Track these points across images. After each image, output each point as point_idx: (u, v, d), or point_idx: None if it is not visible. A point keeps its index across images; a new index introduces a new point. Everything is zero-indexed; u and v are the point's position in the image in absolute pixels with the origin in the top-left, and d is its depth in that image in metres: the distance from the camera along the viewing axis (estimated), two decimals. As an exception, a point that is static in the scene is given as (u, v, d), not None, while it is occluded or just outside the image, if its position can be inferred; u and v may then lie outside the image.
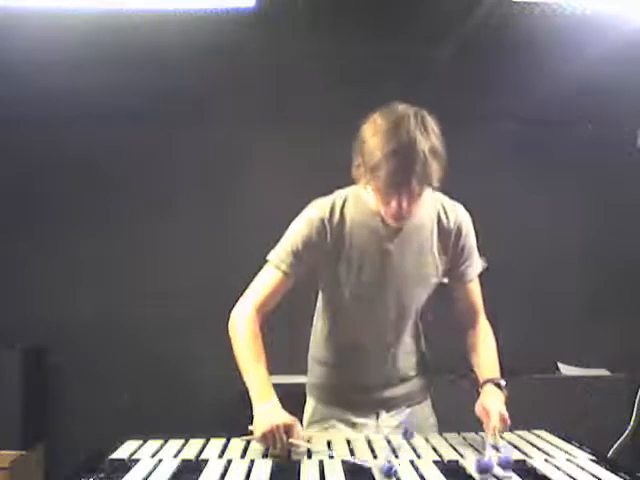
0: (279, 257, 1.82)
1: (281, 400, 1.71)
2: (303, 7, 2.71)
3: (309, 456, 1.60)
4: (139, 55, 3.04)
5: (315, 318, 2.01)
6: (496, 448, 1.58)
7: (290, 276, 1.81)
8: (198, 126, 3.93)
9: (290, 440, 1.60)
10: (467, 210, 1.93)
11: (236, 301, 1.85)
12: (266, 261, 1.86)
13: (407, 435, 1.70)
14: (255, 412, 1.68)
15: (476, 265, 1.92)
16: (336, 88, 2.91)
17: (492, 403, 1.74)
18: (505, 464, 1.46)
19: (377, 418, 1.93)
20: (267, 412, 1.66)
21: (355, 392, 1.92)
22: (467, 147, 3.88)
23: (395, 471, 1.42)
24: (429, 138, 1.60)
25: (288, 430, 1.61)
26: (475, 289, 1.95)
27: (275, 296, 1.83)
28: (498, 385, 1.82)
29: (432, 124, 1.63)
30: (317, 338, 1.99)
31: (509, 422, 1.70)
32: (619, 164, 3.79)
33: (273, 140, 3.89)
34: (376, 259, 1.80)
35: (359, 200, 1.82)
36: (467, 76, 3.45)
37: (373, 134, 1.62)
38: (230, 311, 1.84)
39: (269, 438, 1.60)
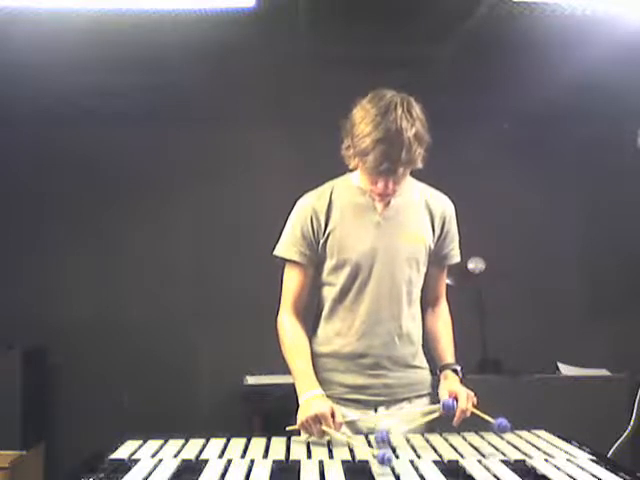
0: (284, 249, 1.96)
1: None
2: (303, 7, 2.71)
3: (308, 455, 1.60)
4: (139, 55, 3.03)
5: (316, 315, 2.03)
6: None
7: (303, 264, 1.94)
8: (197, 126, 3.93)
9: (322, 428, 1.71)
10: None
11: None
12: (273, 258, 1.98)
13: (380, 442, 1.67)
14: (299, 403, 1.80)
15: (457, 252, 2.05)
16: (336, 88, 2.91)
17: (458, 387, 1.88)
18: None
19: (375, 411, 1.94)
20: (305, 403, 1.78)
21: (357, 376, 1.93)
22: (467, 147, 3.90)
23: (389, 458, 1.45)
24: (414, 124, 1.73)
25: (322, 419, 1.72)
26: (445, 274, 2.09)
27: (300, 291, 1.97)
28: (455, 371, 1.96)
29: (417, 110, 1.77)
30: (319, 331, 2.01)
31: (475, 400, 1.85)
32: (619, 164, 3.79)
33: (273, 140, 3.89)
34: (367, 231, 1.91)
35: (347, 183, 1.97)
36: (467, 76, 3.45)
37: (362, 119, 1.76)
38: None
39: (306, 428, 1.74)
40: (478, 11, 2.71)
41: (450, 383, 1.91)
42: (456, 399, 1.83)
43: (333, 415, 1.73)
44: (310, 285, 1.98)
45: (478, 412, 1.82)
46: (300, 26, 2.88)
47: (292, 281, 1.97)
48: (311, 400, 1.78)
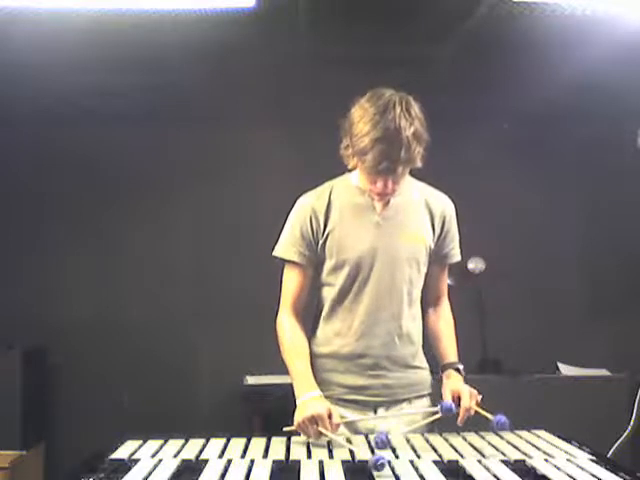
0: (284, 249, 1.95)
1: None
2: (303, 7, 2.71)
3: (308, 455, 1.60)
4: (139, 55, 3.03)
5: (315, 316, 2.02)
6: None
7: (302, 264, 1.94)
8: (197, 126, 3.93)
9: (319, 429, 1.71)
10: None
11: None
12: (273, 258, 1.97)
13: (380, 444, 1.65)
14: (297, 403, 1.80)
15: (458, 251, 2.05)
16: (336, 88, 2.91)
17: (461, 385, 1.88)
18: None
19: (375, 412, 1.93)
20: (302, 404, 1.78)
21: (357, 376, 1.93)
22: (467, 147, 3.90)
23: (382, 464, 1.44)
24: (413, 123, 1.72)
25: (318, 420, 1.71)
26: (446, 272, 2.08)
27: (299, 291, 1.96)
28: (457, 369, 1.95)
29: (416, 109, 1.76)
30: (319, 331, 2.00)
31: (479, 398, 1.84)
32: (619, 164, 3.79)
33: (273, 140, 3.89)
34: (366, 231, 1.91)
35: (347, 183, 1.97)
36: (467, 76, 3.45)
37: (360, 119, 1.75)
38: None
39: (302, 429, 1.73)
40: (478, 11, 2.71)
41: (453, 382, 1.91)
42: (459, 398, 1.83)
43: (330, 416, 1.73)
44: (309, 285, 1.97)
45: (481, 410, 1.81)
46: (300, 26, 2.88)
47: (291, 281, 1.96)
48: (308, 401, 1.77)
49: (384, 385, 1.93)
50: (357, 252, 1.90)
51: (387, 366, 1.93)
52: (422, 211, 1.96)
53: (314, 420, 1.71)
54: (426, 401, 2.01)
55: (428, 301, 2.08)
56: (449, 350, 2.01)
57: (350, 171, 1.96)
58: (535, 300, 4.01)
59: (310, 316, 2.02)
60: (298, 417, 1.75)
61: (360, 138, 1.73)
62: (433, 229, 1.96)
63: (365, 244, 1.90)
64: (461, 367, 1.96)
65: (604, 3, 2.62)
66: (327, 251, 1.92)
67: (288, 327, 1.95)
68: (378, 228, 1.91)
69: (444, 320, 2.07)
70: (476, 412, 1.82)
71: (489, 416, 1.76)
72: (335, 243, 1.91)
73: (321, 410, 1.73)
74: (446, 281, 2.10)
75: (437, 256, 2.00)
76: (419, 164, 1.80)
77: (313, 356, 1.96)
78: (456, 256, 2.04)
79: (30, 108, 3.62)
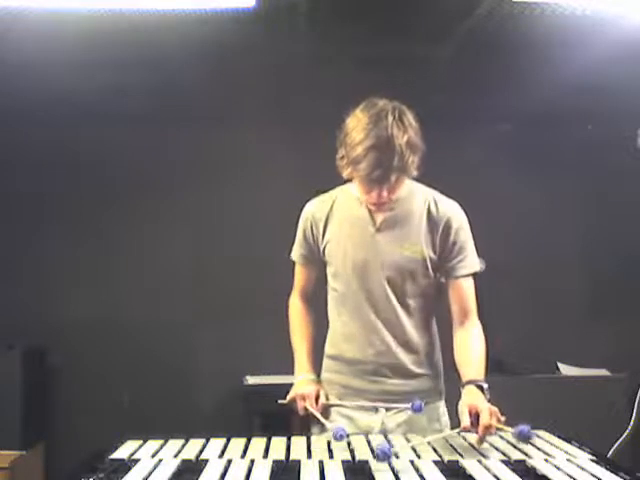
0: (293, 252, 2.10)
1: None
2: (303, 7, 2.71)
3: (308, 455, 1.60)
4: (138, 55, 3.03)
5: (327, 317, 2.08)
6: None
7: (305, 265, 2.09)
8: (197, 126, 3.93)
9: (305, 405, 1.93)
10: (467, 210, 1.95)
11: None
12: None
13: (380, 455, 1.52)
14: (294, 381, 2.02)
15: (469, 263, 1.94)
16: (336, 88, 2.92)
17: (481, 402, 1.72)
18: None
19: (376, 412, 1.94)
20: (297, 383, 1.99)
21: (358, 380, 1.96)
22: (466, 147, 3.90)
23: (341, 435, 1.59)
24: (406, 132, 1.72)
25: (306, 398, 1.94)
26: (466, 287, 1.94)
27: (306, 283, 2.13)
28: (480, 387, 1.78)
29: (410, 118, 1.76)
30: (329, 332, 2.07)
31: (502, 419, 1.68)
32: (619, 164, 3.79)
33: (273, 140, 3.89)
34: (362, 242, 1.93)
35: (348, 193, 1.99)
36: (467, 76, 3.45)
37: (354, 128, 1.76)
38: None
39: (293, 402, 1.96)
40: (478, 11, 2.71)
41: (470, 398, 1.75)
42: (477, 415, 1.68)
43: (317, 397, 1.94)
44: (315, 277, 2.10)
45: (503, 427, 1.67)
46: (300, 26, 2.88)
47: (299, 275, 2.13)
48: (301, 381, 1.98)
49: (384, 391, 1.95)
50: (351, 263, 1.93)
51: (387, 373, 1.95)
52: (423, 221, 1.91)
53: (302, 398, 1.93)
54: (432, 407, 1.98)
55: (453, 320, 1.97)
56: (470, 368, 1.85)
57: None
58: (535, 300, 4.01)
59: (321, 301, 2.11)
60: (291, 393, 1.96)
61: (353, 147, 1.73)
62: (434, 240, 1.90)
63: (359, 256, 1.93)
64: (485, 386, 1.79)
65: (604, 3, 2.62)
66: (327, 258, 2.00)
67: (295, 310, 2.13)
68: (373, 240, 1.92)
69: (467, 346, 1.91)
70: (497, 429, 1.68)
71: (510, 429, 1.64)
72: (333, 253, 1.98)
73: (309, 391, 1.95)
74: (468, 295, 1.94)
75: (442, 268, 1.93)
76: (414, 173, 1.78)
77: (323, 355, 2.07)
78: (462, 269, 1.92)
79: (30, 108, 3.62)
